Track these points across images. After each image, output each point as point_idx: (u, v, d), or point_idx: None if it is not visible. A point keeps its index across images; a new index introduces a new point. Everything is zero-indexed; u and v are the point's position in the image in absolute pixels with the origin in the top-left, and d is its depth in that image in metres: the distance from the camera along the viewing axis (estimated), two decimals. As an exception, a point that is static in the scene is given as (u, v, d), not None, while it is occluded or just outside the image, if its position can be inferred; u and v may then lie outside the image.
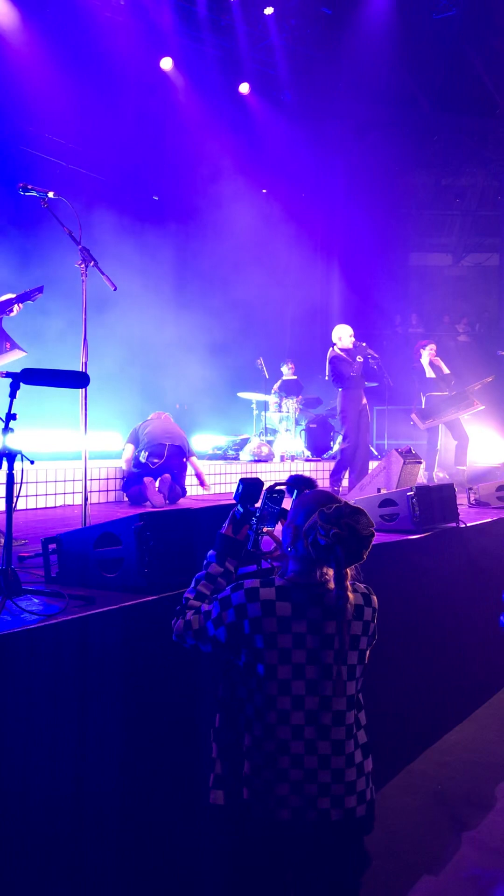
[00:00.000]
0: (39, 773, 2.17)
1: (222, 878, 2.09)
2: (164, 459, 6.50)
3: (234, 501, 2.29)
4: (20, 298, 4.25)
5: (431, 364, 8.89)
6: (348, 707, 2.02)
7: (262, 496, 2.24)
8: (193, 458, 6.98)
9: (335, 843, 1.98)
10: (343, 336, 8.12)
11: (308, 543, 1.98)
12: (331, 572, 2.02)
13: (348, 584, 1.96)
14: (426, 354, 8.87)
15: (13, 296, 4.26)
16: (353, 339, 8.15)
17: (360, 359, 8.03)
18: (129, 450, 6.79)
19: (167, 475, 6.46)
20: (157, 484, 6.40)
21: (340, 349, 8.06)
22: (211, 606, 2.04)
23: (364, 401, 8.13)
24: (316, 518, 1.96)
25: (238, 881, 2.05)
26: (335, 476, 7.97)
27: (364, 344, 8.16)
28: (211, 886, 2.12)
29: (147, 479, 6.37)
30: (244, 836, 2.00)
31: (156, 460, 6.47)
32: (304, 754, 1.96)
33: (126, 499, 6.71)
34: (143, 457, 6.51)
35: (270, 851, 1.98)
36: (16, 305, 4.20)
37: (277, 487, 2.24)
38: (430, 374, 8.85)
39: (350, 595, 1.97)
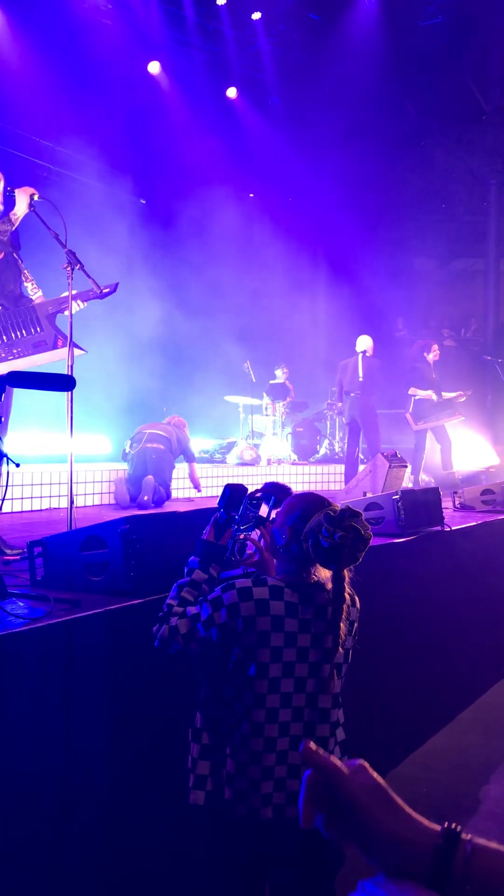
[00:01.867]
0: (25, 775, 2.16)
1: (203, 877, 2.10)
2: (153, 459, 6.67)
3: (216, 506, 2.30)
4: (82, 296, 4.06)
5: (433, 365, 9.13)
6: (333, 705, 2.05)
7: (243, 503, 2.25)
8: (194, 464, 7.29)
9: (313, 841, 1.99)
10: (370, 346, 8.84)
11: (308, 545, 2.00)
12: (323, 573, 2.04)
13: (346, 585, 1.99)
14: (431, 357, 9.07)
15: (75, 291, 4.05)
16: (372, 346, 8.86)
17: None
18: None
19: (150, 477, 6.51)
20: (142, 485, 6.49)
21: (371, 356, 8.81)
22: (199, 609, 2.05)
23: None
24: (321, 520, 1.97)
25: (218, 880, 2.06)
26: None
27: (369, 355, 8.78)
28: (192, 886, 2.12)
29: (148, 479, 6.54)
30: (225, 836, 2.01)
31: (149, 476, 6.62)
32: (288, 750, 1.98)
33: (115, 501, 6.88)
34: (127, 447, 6.79)
35: (251, 850, 1.99)
36: (76, 303, 4.02)
37: (257, 494, 2.26)
38: (430, 375, 9.07)
39: (347, 596, 1.99)
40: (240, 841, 2.00)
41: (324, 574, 2.06)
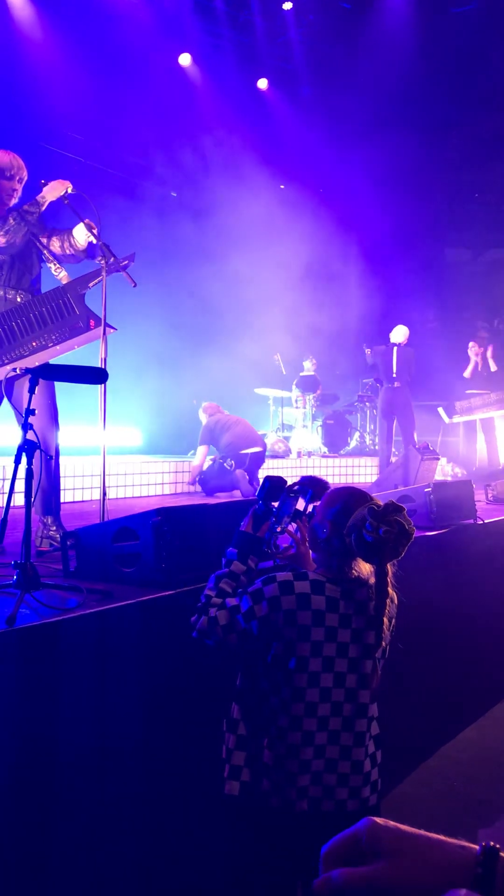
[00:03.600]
0: (60, 762, 2.19)
1: (235, 868, 2.11)
2: (247, 467, 7.07)
3: (248, 499, 2.30)
4: (109, 269, 4.02)
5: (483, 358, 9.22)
6: (371, 700, 2.04)
7: (282, 495, 2.24)
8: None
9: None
10: (404, 336, 8.87)
11: (351, 539, 1.98)
12: (364, 568, 2.04)
13: (390, 580, 1.98)
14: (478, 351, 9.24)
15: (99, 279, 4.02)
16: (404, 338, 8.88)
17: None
18: (203, 451, 7.28)
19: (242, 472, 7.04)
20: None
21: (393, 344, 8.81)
22: (240, 601, 2.04)
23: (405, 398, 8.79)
24: (364, 514, 1.96)
25: (251, 872, 2.06)
26: None
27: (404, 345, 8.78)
28: (224, 876, 2.13)
29: (238, 472, 6.97)
30: (259, 827, 2.02)
31: (240, 470, 7.02)
32: (326, 745, 1.98)
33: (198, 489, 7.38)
34: (227, 464, 7.02)
35: (285, 842, 2.00)
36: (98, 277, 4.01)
37: (294, 488, 2.25)
38: (471, 367, 9.18)
39: (391, 591, 1.98)
40: (274, 833, 2.00)
41: (365, 569, 2.05)
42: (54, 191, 4.00)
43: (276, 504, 2.23)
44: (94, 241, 3.94)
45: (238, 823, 2.07)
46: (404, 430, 8.64)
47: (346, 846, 0.81)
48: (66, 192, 4.01)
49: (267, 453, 9.25)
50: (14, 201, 4.03)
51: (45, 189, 4.00)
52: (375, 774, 2.08)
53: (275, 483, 2.23)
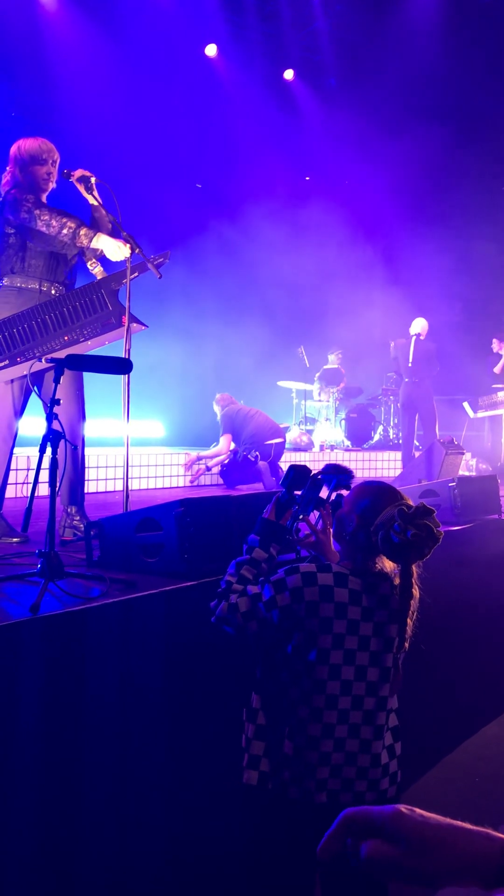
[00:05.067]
0: (82, 749, 2.21)
1: (252, 857, 2.11)
2: (272, 458, 7.11)
3: (270, 491, 2.30)
4: (139, 268, 4.00)
5: None
6: (391, 693, 2.04)
7: (307, 484, 2.24)
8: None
9: None
10: (423, 329, 8.72)
11: (378, 537, 1.97)
12: (388, 563, 2.03)
13: (415, 580, 1.97)
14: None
15: (135, 275, 3.97)
16: (426, 330, 8.73)
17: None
18: (227, 440, 7.29)
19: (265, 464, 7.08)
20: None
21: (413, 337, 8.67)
22: (261, 589, 2.04)
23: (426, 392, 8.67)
24: (394, 514, 1.94)
25: (267, 860, 2.06)
26: None
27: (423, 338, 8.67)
28: (241, 865, 2.14)
29: (262, 464, 7.00)
30: (276, 818, 2.02)
31: (263, 462, 7.06)
32: (346, 738, 1.97)
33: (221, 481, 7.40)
34: (252, 455, 7.04)
35: (302, 833, 2.00)
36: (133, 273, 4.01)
37: (318, 476, 2.24)
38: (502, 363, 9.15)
39: (415, 591, 1.97)
40: (291, 824, 2.00)
41: (389, 564, 2.04)
42: (81, 185, 4.00)
43: (299, 493, 2.23)
44: (135, 252, 3.92)
45: (256, 813, 2.07)
46: (425, 425, 8.57)
47: (370, 822, 0.82)
48: (90, 181, 4.01)
49: (289, 446, 9.25)
50: (51, 185, 4.05)
51: (76, 178, 4.00)
52: (394, 766, 2.08)
53: (299, 471, 2.23)
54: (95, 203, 4.04)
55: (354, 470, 2.21)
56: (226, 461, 7.26)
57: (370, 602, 2.00)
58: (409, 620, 1.97)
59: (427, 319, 8.69)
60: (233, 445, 7.35)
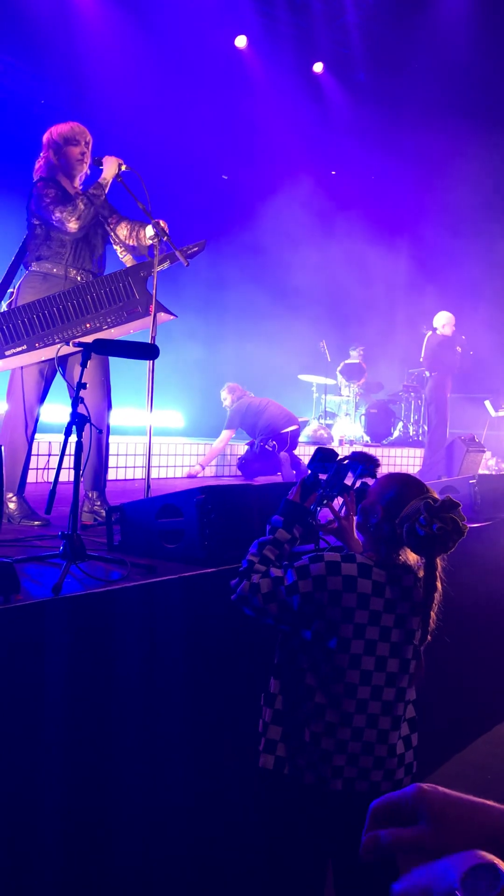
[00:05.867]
0: (105, 726, 2.23)
1: (267, 840, 2.12)
2: (288, 446, 7.03)
3: (289, 482, 2.31)
4: (171, 257, 4.03)
5: None
6: (409, 684, 2.04)
7: (333, 468, 2.24)
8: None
9: None
10: (446, 323, 8.47)
11: (403, 530, 1.97)
12: (412, 555, 2.03)
13: (439, 573, 1.97)
14: None
15: (166, 265, 4.03)
16: (453, 327, 8.47)
17: (458, 349, 8.36)
18: (228, 436, 7.19)
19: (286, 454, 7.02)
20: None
21: (441, 335, 8.42)
22: (284, 573, 2.04)
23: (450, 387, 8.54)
24: (420, 507, 1.94)
25: (280, 847, 2.08)
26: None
27: (463, 337, 8.59)
28: (255, 847, 2.16)
29: (283, 455, 6.92)
30: (291, 803, 2.03)
31: (284, 453, 7.00)
32: (364, 727, 1.98)
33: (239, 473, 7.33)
34: (269, 445, 6.95)
35: (317, 819, 2.01)
36: (164, 262, 4.02)
37: (344, 461, 2.24)
38: None
39: (439, 585, 1.97)
40: (306, 809, 2.01)
41: (412, 557, 2.04)
42: (110, 168, 4.03)
43: (324, 476, 2.23)
44: (164, 240, 3.94)
45: (271, 797, 2.08)
46: (429, 423, 8.56)
47: (394, 807, 0.82)
48: (120, 169, 4.05)
49: (307, 440, 9.25)
50: (85, 167, 4.07)
51: (104, 169, 4.04)
52: (410, 757, 2.09)
53: (326, 454, 2.23)
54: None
55: (379, 459, 2.20)
56: (245, 454, 7.24)
57: (393, 594, 2.00)
58: (431, 613, 1.97)
59: (451, 317, 8.60)
60: (246, 442, 7.33)
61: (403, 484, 2.05)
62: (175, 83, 9.57)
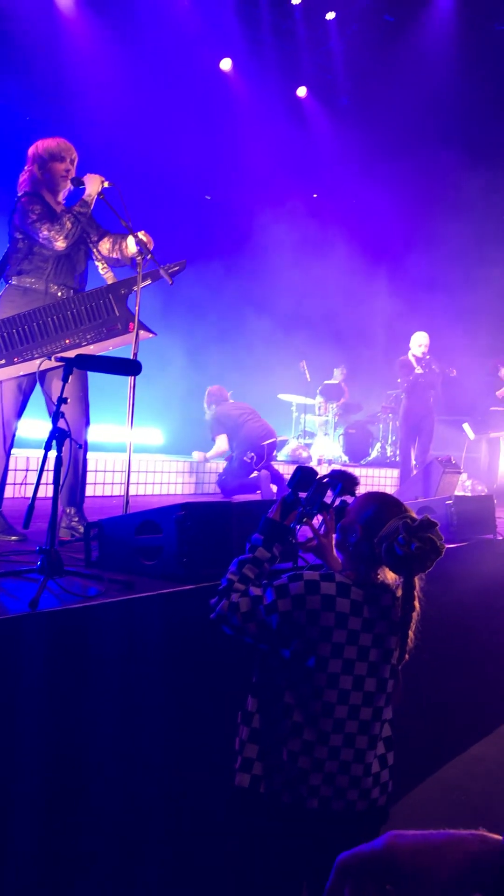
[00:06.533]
0: (75, 744, 2.21)
1: (242, 859, 2.11)
2: (266, 460, 7.04)
3: (269, 500, 2.32)
4: (152, 275, 4.06)
5: None
6: (386, 703, 2.04)
7: (312, 487, 2.25)
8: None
9: (354, 832, 1.99)
10: (413, 344, 8.44)
11: (381, 549, 1.98)
12: (390, 574, 2.04)
13: (417, 593, 1.98)
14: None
15: (148, 282, 4.05)
16: (421, 347, 8.39)
17: (418, 370, 8.27)
18: (224, 440, 7.24)
19: (266, 472, 7.00)
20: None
21: (412, 355, 8.38)
22: (263, 592, 2.04)
23: (425, 410, 8.45)
24: (398, 526, 1.95)
25: (257, 864, 2.07)
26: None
27: (428, 356, 8.41)
28: (231, 867, 2.14)
29: (263, 473, 6.90)
30: (266, 822, 2.02)
31: (259, 463, 7.00)
32: (341, 747, 1.98)
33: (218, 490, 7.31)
34: (248, 457, 6.95)
35: (292, 839, 2.00)
36: (146, 280, 4.03)
37: (323, 480, 2.25)
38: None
39: (417, 604, 1.99)
40: (281, 829, 2.01)
41: (391, 576, 2.05)
42: (94, 185, 4.05)
43: (303, 495, 2.24)
44: (148, 258, 3.97)
45: (247, 816, 2.07)
46: (422, 445, 8.61)
47: (365, 861, 0.81)
48: (103, 185, 4.06)
49: (287, 458, 9.27)
50: (68, 184, 4.07)
51: (87, 186, 4.06)
52: (386, 776, 2.08)
53: (306, 473, 2.24)
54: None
55: (359, 478, 2.22)
56: (224, 469, 7.23)
57: (371, 613, 2.01)
58: (410, 633, 1.98)
59: (430, 340, 8.63)
60: (225, 458, 7.35)
61: (382, 503, 2.06)
62: (160, 103, 9.65)
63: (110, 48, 9.12)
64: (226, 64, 10.76)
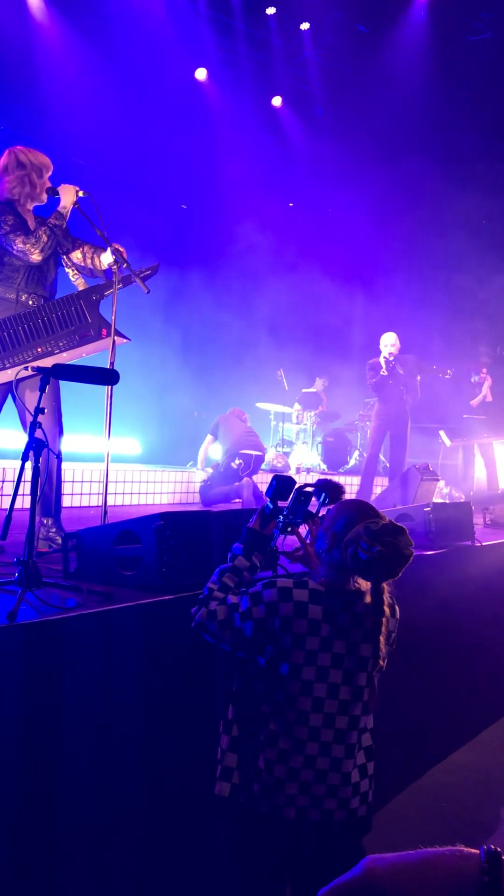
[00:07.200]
0: (57, 756, 2.18)
1: (224, 867, 2.10)
2: (251, 469, 7.15)
3: (249, 508, 2.32)
4: (124, 280, 4.02)
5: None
6: (363, 712, 2.03)
7: (292, 495, 2.25)
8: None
9: (335, 842, 1.98)
10: (381, 344, 7.87)
11: (347, 554, 1.99)
12: (363, 583, 2.03)
13: (385, 598, 1.98)
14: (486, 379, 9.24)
15: (120, 286, 4.01)
16: (388, 348, 7.79)
17: (383, 372, 7.80)
18: (209, 440, 7.51)
19: (249, 480, 7.04)
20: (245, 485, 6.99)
21: (382, 357, 7.84)
22: (239, 599, 2.04)
23: (398, 414, 7.90)
24: (360, 531, 1.96)
25: (238, 873, 2.05)
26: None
27: (392, 358, 7.80)
28: (213, 875, 2.13)
29: (246, 481, 6.94)
30: (246, 830, 2.01)
31: (245, 470, 7.11)
32: (317, 756, 1.97)
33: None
34: (235, 463, 7.07)
35: (270, 847, 1.99)
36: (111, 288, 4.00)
37: (307, 489, 2.25)
38: (481, 396, 9.21)
39: (386, 609, 1.98)
40: (260, 837, 2.00)
41: (364, 583, 2.06)
42: (68, 196, 4.04)
43: (283, 504, 2.25)
44: (123, 266, 3.94)
45: (226, 825, 2.06)
46: (395, 450, 8.19)
47: (347, 892, 0.80)
48: (77, 195, 4.05)
49: (265, 467, 9.26)
50: (44, 196, 4.04)
51: (61, 197, 4.03)
52: (366, 786, 2.07)
53: (282, 482, 2.25)
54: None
55: (344, 487, 2.22)
56: (210, 476, 7.27)
57: (344, 620, 2.01)
58: (381, 639, 1.98)
59: (406, 350, 8.28)
60: (209, 468, 7.35)
61: (354, 510, 2.06)
62: (135, 113, 9.65)
63: (84, 57, 9.11)
64: (201, 74, 10.79)
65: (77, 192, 4.05)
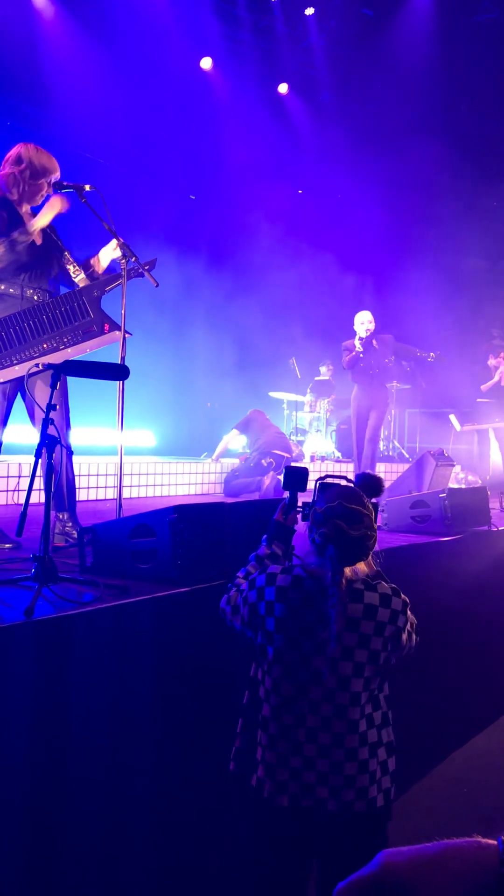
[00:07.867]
0: (72, 750, 2.20)
1: (238, 851, 2.13)
2: (278, 470, 7.39)
3: (265, 499, 2.35)
4: (130, 274, 3.99)
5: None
6: (352, 703, 1.97)
7: (315, 487, 2.20)
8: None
9: (340, 831, 1.96)
10: (357, 323, 7.38)
11: (312, 538, 2.02)
12: (347, 569, 2.00)
13: (344, 581, 1.95)
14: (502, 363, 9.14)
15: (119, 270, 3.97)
16: (363, 325, 7.32)
17: (359, 349, 7.29)
18: (233, 435, 7.91)
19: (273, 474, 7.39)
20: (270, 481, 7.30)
21: (358, 337, 7.33)
22: (245, 584, 2.10)
23: (375, 395, 7.51)
24: (318, 514, 2.00)
25: (255, 850, 2.07)
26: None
27: (367, 335, 7.30)
28: (232, 850, 2.15)
29: (272, 477, 7.29)
30: (252, 813, 2.05)
31: (273, 468, 7.42)
32: (304, 742, 1.96)
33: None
34: (266, 461, 7.39)
35: (274, 831, 2.02)
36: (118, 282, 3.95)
37: (328, 480, 2.21)
38: (494, 380, 9.11)
39: (372, 600, 1.97)
40: (262, 822, 2.03)
41: (362, 568, 2.05)
42: (47, 211, 3.85)
43: (301, 495, 2.29)
44: (132, 260, 3.92)
45: (244, 804, 2.09)
46: (371, 435, 7.76)
47: (363, 887, 0.79)
48: (84, 190, 3.98)
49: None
50: (42, 198, 4.01)
51: (40, 213, 3.90)
52: (365, 780, 1.96)
53: (291, 472, 2.29)
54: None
55: (342, 482, 2.20)
56: (237, 467, 7.55)
57: (325, 607, 1.96)
58: (334, 627, 1.90)
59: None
60: (241, 456, 7.54)
61: (331, 494, 2.06)
62: (141, 104, 9.62)
63: (89, 50, 9.09)
64: (206, 63, 10.75)
65: (62, 208, 3.93)
